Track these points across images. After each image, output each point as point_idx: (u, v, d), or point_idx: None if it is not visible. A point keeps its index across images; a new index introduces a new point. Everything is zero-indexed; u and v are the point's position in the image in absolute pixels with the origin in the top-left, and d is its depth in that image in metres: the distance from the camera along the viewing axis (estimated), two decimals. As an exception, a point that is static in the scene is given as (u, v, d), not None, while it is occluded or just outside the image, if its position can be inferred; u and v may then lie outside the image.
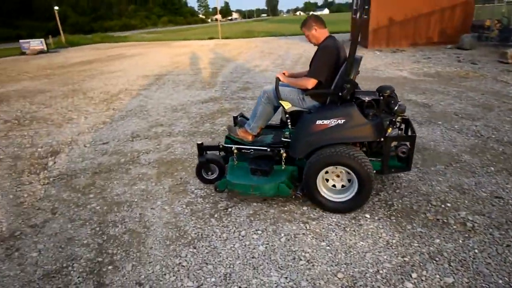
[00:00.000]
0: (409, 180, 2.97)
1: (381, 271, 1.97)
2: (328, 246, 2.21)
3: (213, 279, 1.99)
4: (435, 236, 2.24)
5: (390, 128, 2.45)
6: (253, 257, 2.15)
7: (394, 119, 2.45)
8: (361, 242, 2.22)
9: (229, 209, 2.71)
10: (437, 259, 2.04)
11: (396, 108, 2.41)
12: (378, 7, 12.43)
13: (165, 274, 2.05)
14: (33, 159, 3.99)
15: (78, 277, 2.08)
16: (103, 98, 7.12)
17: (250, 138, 2.94)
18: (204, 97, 6.77)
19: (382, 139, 2.45)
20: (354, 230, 2.35)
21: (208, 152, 3.13)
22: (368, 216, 2.49)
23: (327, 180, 2.60)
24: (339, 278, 1.94)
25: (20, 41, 22.76)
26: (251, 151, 2.89)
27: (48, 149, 4.28)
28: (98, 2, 58.85)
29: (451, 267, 1.97)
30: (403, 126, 2.71)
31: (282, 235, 2.34)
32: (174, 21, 72.86)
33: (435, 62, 9.10)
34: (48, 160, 3.90)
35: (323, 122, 2.38)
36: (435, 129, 4.17)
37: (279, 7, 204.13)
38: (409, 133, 2.64)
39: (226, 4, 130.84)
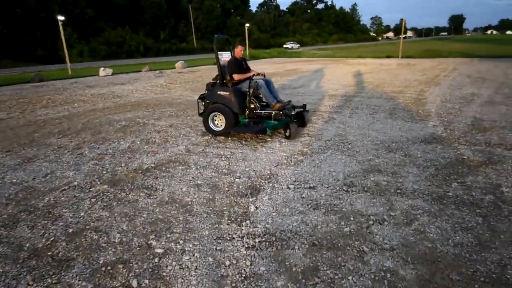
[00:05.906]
0: None
1: None
2: None
3: None
4: None
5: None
6: None
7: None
8: None
9: None
10: None
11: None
12: None
13: None
14: (231, 194, 3.25)
15: None
16: (293, 118, 6.35)
17: None
18: (421, 133, 5.06)
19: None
20: None
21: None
22: None
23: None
24: None
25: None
26: None
27: (246, 181, 3.52)
28: (278, 21, 64.60)
29: None
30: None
31: None
32: (345, 39, 72.68)
33: None
34: (248, 202, 3.06)
35: None
36: None
37: (465, 25, 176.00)
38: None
39: (401, 21, 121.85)
